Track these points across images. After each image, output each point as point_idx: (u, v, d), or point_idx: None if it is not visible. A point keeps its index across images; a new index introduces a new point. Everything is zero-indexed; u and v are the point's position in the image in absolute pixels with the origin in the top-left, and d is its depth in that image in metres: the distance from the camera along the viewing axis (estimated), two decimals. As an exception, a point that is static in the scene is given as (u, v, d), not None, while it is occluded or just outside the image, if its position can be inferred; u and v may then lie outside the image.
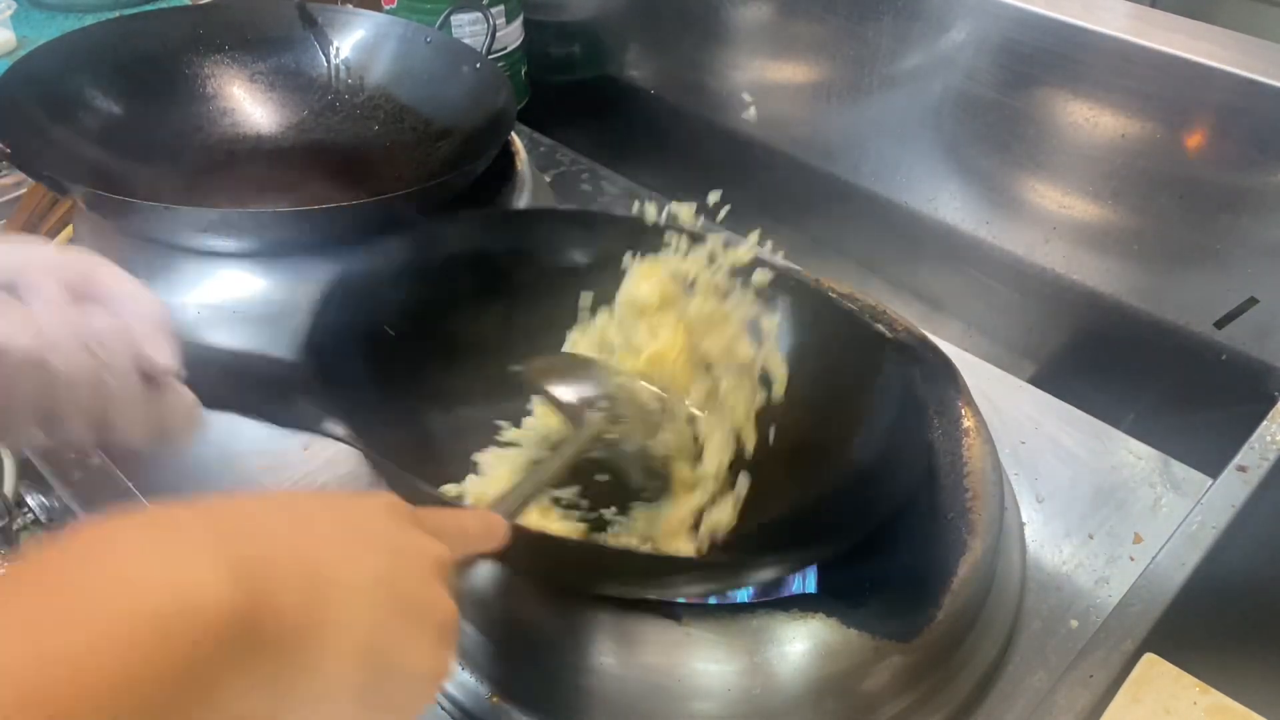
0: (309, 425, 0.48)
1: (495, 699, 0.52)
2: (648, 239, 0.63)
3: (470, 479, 0.58)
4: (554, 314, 0.64)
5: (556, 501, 0.56)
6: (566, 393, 0.57)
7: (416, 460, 0.54)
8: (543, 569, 0.51)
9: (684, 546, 0.56)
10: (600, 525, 0.56)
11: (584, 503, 0.56)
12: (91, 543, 0.28)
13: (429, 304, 0.61)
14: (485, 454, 0.59)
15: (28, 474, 0.68)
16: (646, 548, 0.56)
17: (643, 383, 0.60)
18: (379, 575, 0.33)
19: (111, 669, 0.24)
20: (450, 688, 0.53)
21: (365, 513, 0.35)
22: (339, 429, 0.48)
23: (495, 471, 0.58)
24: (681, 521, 0.57)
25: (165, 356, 0.41)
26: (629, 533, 0.57)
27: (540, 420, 0.61)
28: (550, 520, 0.55)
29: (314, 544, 0.32)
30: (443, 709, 0.54)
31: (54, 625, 0.25)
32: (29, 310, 0.38)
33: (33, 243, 0.42)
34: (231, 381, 0.47)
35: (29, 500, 0.68)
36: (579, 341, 0.64)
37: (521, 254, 0.65)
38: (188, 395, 0.43)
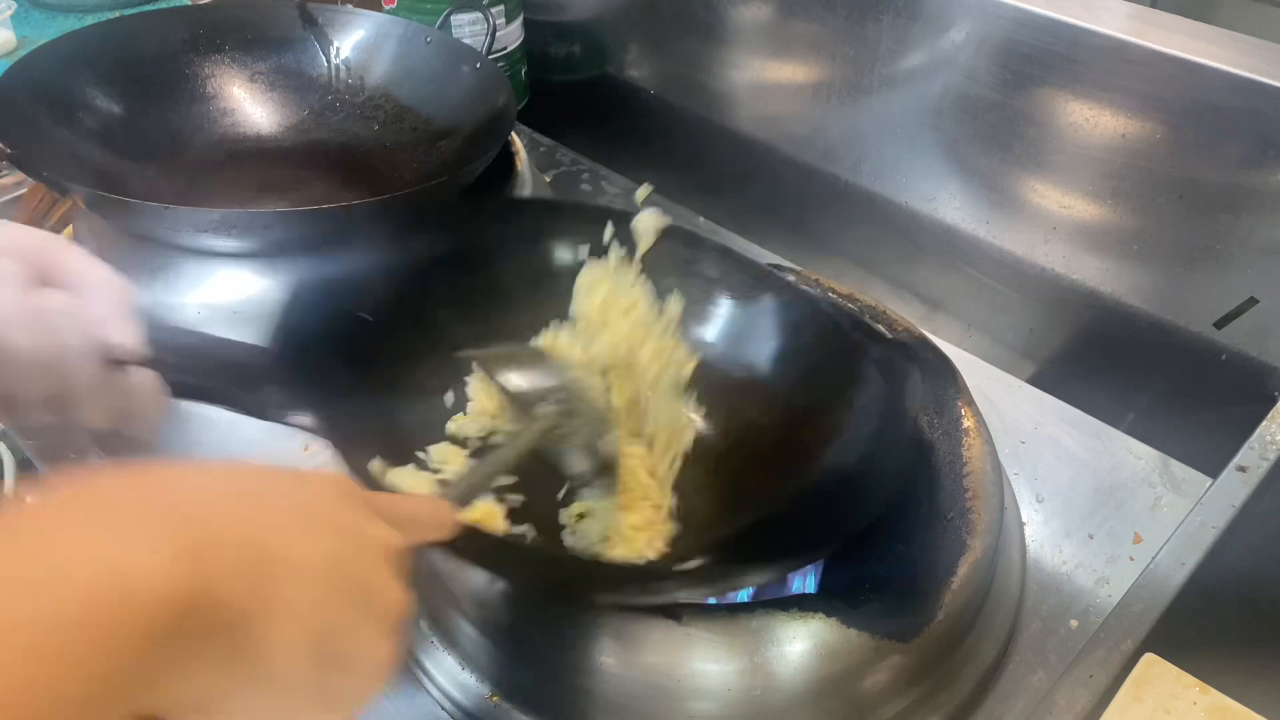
0: (275, 413, 0.46)
1: (495, 699, 0.52)
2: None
3: (412, 470, 0.56)
4: (537, 309, 0.63)
5: (500, 498, 0.54)
6: (519, 383, 0.56)
7: (383, 451, 0.52)
8: (500, 572, 0.50)
9: (642, 547, 0.55)
10: (550, 525, 0.55)
11: (519, 499, 0.55)
12: (13, 525, 0.26)
13: (407, 293, 0.59)
14: (435, 447, 0.58)
15: (27, 472, 0.68)
16: (603, 548, 0.54)
17: (596, 380, 0.59)
18: (330, 557, 0.31)
19: (39, 672, 0.23)
20: (450, 688, 0.53)
21: (315, 491, 0.33)
22: (305, 419, 0.46)
23: (446, 464, 0.57)
24: (639, 523, 0.56)
25: (126, 339, 0.40)
26: (584, 533, 0.55)
27: (479, 406, 0.60)
28: (497, 519, 0.53)
29: (261, 521, 0.30)
30: (443, 709, 0.54)
31: None
32: None
33: None
34: (197, 366, 0.45)
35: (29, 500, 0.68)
36: (549, 340, 0.63)
37: (509, 246, 0.64)
38: (149, 379, 0.42)
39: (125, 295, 0.41)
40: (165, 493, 0.28)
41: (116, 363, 0.41)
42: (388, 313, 0.58)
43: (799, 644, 0.49)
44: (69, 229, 0.81)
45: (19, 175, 0.86)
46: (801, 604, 0.50)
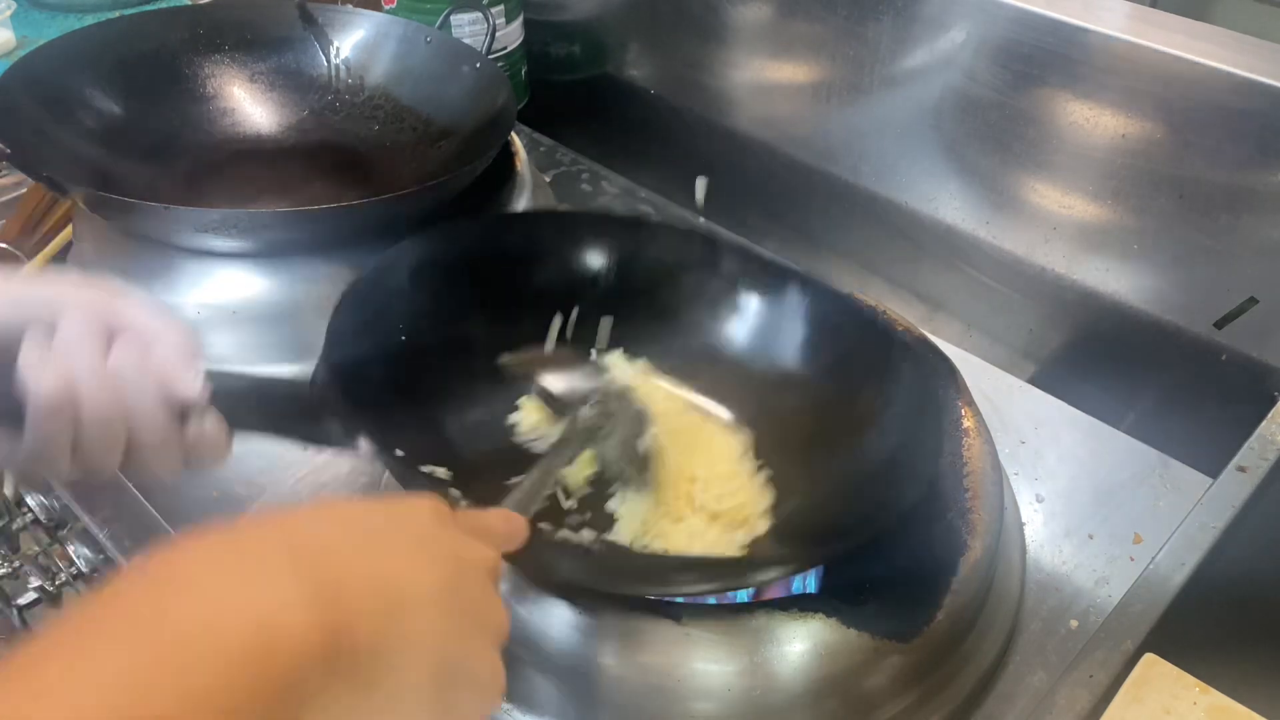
0: (340, 442, 0.48)
1: (495, 699, 0.52)
2: (657, 241, 0.65)
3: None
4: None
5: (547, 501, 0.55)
6: (557, 386, 0.58)
7: (438, 464, 0.54)
8: (554, 572, 0.51)
9: (688, 533, 0.56)
10: (604, 525, 0.56)
11: (571, 503, 0.56)
12: (169, 571, 0.28)
13: (442, 307, 0.60)
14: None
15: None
16: (650, 540, 0.55)
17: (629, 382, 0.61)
18: (445, 584, 0.33)
19: (199, 707, 0.24)
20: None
21: (417, 517, 0.35)
22: (366, 444, 0.47)
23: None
24: (678, 510, 0.57)
25: (190, 389, 0.41)
26: (629, 527, 0.56)
27: (526, 417, 0.61)
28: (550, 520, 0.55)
29: (383, 557, 0.32)
30: (443, 709, 0.53)
31: (137, 663, 0.24)
32: (58, 352, 0.39)
33: (59, 279, 0.42)
34: (259, 406, 0.47)
35: (29, 500, 0.68)
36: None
37: (530, 256, 0.65)
38: (216, 424, 0.43)
39: (189, 343, 0.42)
40: (298, 537, 0.30)
41: (182, 411, 0.42)
42: (425, 329, 0.59)
43: (799, 644, 0.49)
44: (69, 229, 0.81)
45: (19, 175, 0.86)
46: (801, 604, 0.50)
